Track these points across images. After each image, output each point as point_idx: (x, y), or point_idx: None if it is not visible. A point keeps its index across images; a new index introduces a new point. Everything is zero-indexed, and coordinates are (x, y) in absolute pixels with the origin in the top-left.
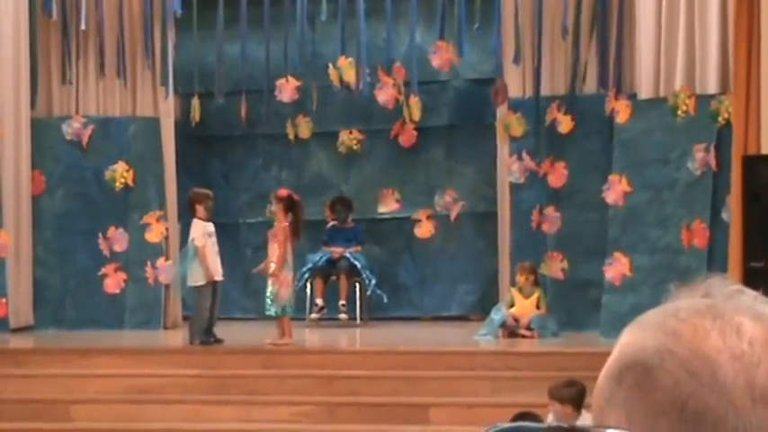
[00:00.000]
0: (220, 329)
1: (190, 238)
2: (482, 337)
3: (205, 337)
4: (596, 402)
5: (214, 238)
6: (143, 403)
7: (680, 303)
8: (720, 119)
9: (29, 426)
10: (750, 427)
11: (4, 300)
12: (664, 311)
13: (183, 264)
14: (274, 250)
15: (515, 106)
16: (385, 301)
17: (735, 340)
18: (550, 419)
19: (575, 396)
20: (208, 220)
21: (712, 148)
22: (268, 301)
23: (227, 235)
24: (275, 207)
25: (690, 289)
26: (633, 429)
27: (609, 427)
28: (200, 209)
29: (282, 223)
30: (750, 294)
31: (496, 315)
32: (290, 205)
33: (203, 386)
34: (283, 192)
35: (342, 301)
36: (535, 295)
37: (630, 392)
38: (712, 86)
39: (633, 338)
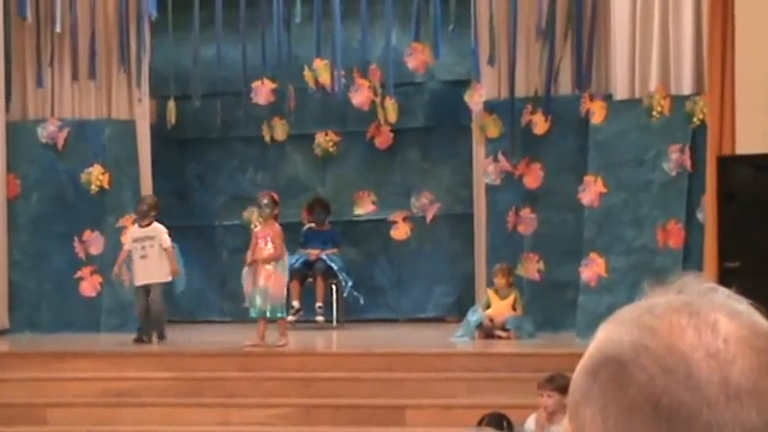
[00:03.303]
0: (196, 332)
1: (166, 239)
2: (459, 338)
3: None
4: (572, 397)
5: (140, 243)
6: (120, 406)
7: (656, 300)
8: (695, 119)
9: (5, 430)
10: (723, 424)
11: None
12: (640, 308)
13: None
14: (270, 251)
15: (491, 108)
16: (362, 302)
17: (710, 337)
18: (530, 422)
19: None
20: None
21: (687, 149)
22: (259, 301)
23: (202, 237)
24: (271, 209)
25: (664, 288)
26: (608, 424)
27: None
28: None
29: (276, 224)
30: (723, 292)
31: (473, 316)
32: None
33: (180, 389)
34: (274, 194)
35: (319, 303)
36: (511, 296)
37: (605, 387)
38: (687, 87)
39: (609, 334)
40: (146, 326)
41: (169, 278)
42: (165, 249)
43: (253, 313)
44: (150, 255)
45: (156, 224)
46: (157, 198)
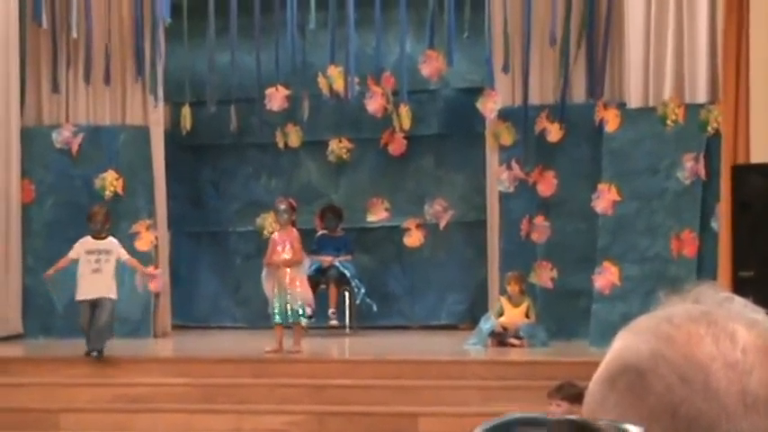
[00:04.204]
0: (210, 338)
1: (124, 252)
2: (471, 346)
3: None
4: (587, 407)
5: (94, 256)
6: (133, 412)
7: (674, 309)
8: (710, 128)
9: None
10: None
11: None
12: (657, 317)
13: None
14: (288, 255)
15: (505, 115)
16: (374, 309)
17: (728, 347)
18: None
19: (582, 394)
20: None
21: (701, 158)
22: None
23: (216, 243)
24: (289, 215)
25: (680, 296)
26: None
27: (624, 422)
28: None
29: (294, 230)
30: (740, 302)
31: (486, 324)
32: None
33: (193, 395)
34: (292, 200)
35: (331, 310)
36: (524, 304)
37: (623, 397)
38: (701, 96)
39: (626, 343)
40: (92, 339)
41: (116, 296)
42: (126, 261)
43: (277, 319)
44: (104, 270)
45: (111, 238)
46: (108, 208)
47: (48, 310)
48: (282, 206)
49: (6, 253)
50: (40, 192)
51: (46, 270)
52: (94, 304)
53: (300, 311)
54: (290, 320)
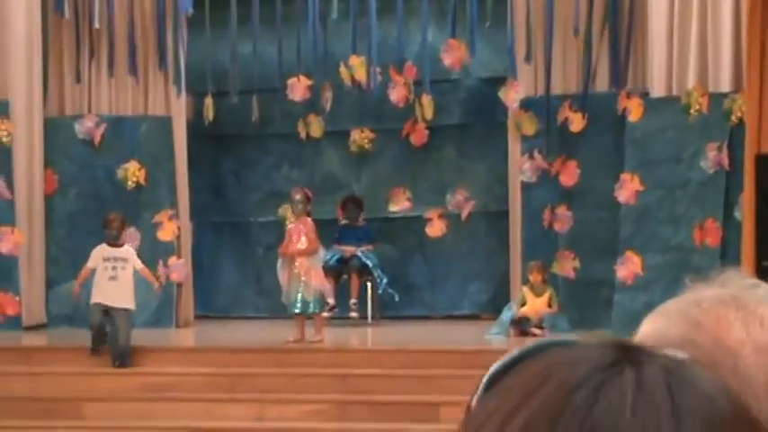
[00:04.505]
0: (232, 328)
1: (139, 261)
2: (494, 335)
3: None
4: None
5: (111, 264)
6: (155, 401)
7: (702, 293)
8: (733, 117)
9: (41, 424)
10: None
11: (17, 298)
12: (686, 301)
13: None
14: (303, 246)
15: (527, 105)
16: (396, 299)
17: (758, 332)
18: None
19: None
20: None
21: (725, 147)
22: (301, 296)
23: (238, 234)
24: (304, 205)
25: (706, 283)
26: None
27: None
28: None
29: (309, 220)
30: (766, 288)
31: (508, 314)
32: None
33: (216, 384)
34: (308, 190)
35: (353, 300)
36: (547, 294)
37: None
38: (725, 85)
39: (654, 327)
40: (115, 355)
41: (134, 306)
42: (140, 270)
43: (295, 309)
44: (121, 277)
45: (127, 246)
46: (123, 215)
47: (71, 299)
48: (298, 196)
49: (30, 243)
50: (63, 182)
51: (69, 260)
52: (107, 312)
53: (315, 302)
54: (310, 311)
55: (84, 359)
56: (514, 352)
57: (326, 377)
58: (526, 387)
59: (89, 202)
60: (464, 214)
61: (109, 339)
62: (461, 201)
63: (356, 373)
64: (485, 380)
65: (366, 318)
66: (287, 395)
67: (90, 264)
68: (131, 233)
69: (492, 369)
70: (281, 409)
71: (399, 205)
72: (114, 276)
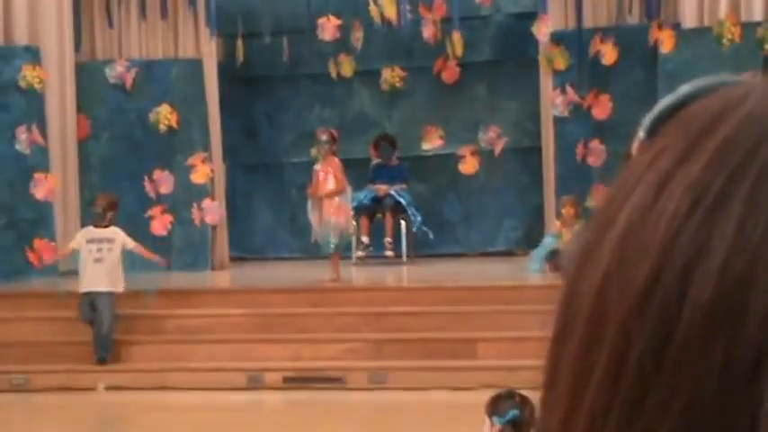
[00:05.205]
0: (267, 269)
1: (129, 240)
2: (529, 271)
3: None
4: None
5: (96, 245)
6: (193, 343)
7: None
8: (766, 46)
9: (81, 368)
10: None
11: (53, 243)
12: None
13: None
14: (331, 186)
15: (558, 39)
16: (431, 237)
17: None
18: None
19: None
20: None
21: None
22: (331, 236)
23: (271, 175)
24: (330, 145)
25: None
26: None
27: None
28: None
29: (336, 159)
30: None
31: (543, 249)
32: None
33: (251, 325)
34: (333, 131)
35: (388, 239)
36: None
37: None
38: (758, 13)
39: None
40: (97, 346)
41: (120, 289)
42: (133, 249)
43: (327, 249)
44: (107, 259)
45: (114, 227)
46: (115, 196)
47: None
48: (324, 137)
49: (64, 189)
50: (96, 127)
51: None
52: (94, 301)
53: (343, 241)
54: (342, 250)
55: (121, 302)
56: (683, 89)
57: (361, 316)
58: (710, 116)
59: (122, 146)
60: (497, 151)
61: (94, 328)
62: (494, 137)
63: (391, 312)
64: (647, 122)
65: (401, 256)
66: (323, 335)
67: (72, 244)
68: (165, 176)
69: (656, 110)
70: (318, 348)
71: (432, 143)
72: (100, 259)
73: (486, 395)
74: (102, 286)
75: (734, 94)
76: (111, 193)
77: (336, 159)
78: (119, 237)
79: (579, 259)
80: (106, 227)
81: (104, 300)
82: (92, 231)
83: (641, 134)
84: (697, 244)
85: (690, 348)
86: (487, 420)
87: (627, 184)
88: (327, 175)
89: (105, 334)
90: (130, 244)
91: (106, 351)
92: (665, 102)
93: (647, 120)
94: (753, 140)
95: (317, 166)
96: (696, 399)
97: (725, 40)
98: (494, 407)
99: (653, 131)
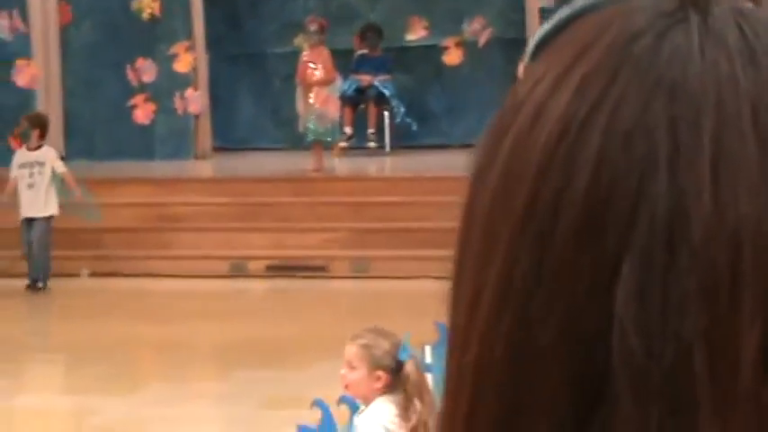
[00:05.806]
0: (250, 159)
1: (60, 164)
2: None
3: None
4: None
5: (28, 170)
6: (175, 231)
7: None
8: None
9: (62, 254)
10: None
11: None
12: None
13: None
14: (320, 75)
15: None
16: (414, 128)
17: None
18: None
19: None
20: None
21: None
22: (314, 125)
23: (254, 65)
24: (319, 36)
25: None
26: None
27: None
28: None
29: (325, 50)
30: None
31: None
32: None
33: (235, 214)
34: (323, 21)
35: (370, 130)
36: None
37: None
38: None
39: None
40: (30, 268)
41: (55, 212)
42: (62, 174)
43: (310, 137)
44: (38, 184)
45: (46, 147)
46: (42, 115)
47: (88, 132)
48: (313, 27)
49: (47, 75)
50: (78, 13)
51: (86, 92)
52: (30, 226)
53: (330, 131)
54: (327, 139)
55: (104, 190)
56: (563, 12)
57: (344, 205)
58: (579, 44)
59: (105, 33)
60: (481, 42)
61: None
62: (478, 28)
63: (374, 201)
64: (530, 47)
65: (383, 147)
66: (306, 224)
67: (12, 173)
68: (148, 64)
69: (538, 35)
70: (301, 237)
71: (416, 34)
72: (32, 184)
73: None
74: (36, 212)
75: (604, 19)
76: (38, 111)
77: (326, 50)
78: (49, 159)
79: (474, 178)
80: (37, 148)
81: (39, 226)
82: (24, 154)
83: (525, 58)
84: (565, 171)
85: (563, 261)
86: None
87: (512, 109)
88: (317, 65)
89: (37, 260)
90: (60, 168)
91: (38, 272)
92: (545, 27)
93: (531, 44)
94: (611, 71)
95: (305, 55)
96: (571, 305)
97: None
98: None
99: (536, 54)
